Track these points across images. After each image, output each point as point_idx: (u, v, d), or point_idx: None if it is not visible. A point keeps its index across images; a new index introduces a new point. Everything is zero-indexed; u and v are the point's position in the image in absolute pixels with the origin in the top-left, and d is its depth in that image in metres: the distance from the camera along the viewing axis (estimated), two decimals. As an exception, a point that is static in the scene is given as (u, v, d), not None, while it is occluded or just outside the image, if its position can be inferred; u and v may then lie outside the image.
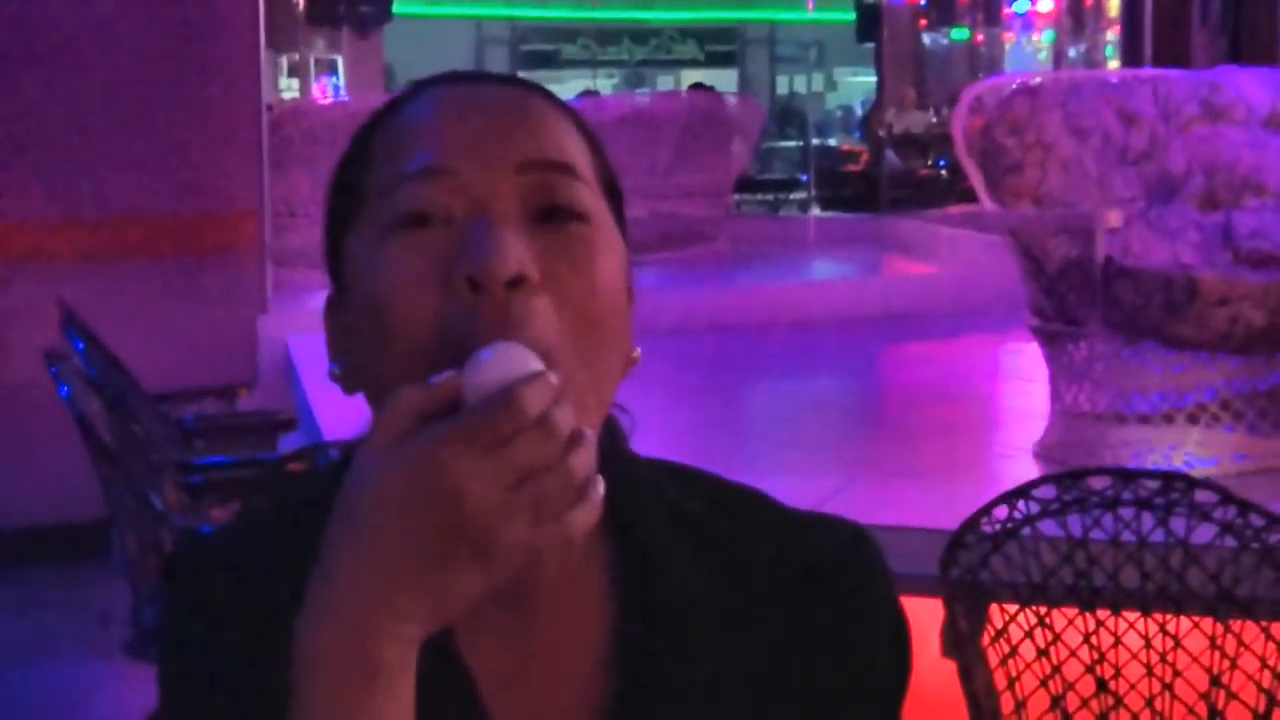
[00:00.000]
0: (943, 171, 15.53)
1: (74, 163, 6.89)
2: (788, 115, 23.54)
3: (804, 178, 17.49)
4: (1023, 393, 5.90)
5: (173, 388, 5.77)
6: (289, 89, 17.34)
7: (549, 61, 25.04)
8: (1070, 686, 2.77)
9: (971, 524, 2.81)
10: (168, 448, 4.87)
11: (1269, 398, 4.48)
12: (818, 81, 26.35)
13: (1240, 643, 2.71)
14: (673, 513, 1.14)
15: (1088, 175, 4.61)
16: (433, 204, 1.04)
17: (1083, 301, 4.54)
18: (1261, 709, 2.72)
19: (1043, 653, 2.79)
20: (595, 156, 1.12)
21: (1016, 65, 19.25)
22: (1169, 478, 2.75)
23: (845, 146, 19.95)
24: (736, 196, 14.28)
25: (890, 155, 15.88)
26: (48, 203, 6.88)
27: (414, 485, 0.92)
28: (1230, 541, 2.71)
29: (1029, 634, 2.80)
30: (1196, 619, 2.74)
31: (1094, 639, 2.76)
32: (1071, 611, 2.78)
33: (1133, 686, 2.75)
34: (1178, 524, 2.70)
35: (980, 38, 20.92)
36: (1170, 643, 2.73)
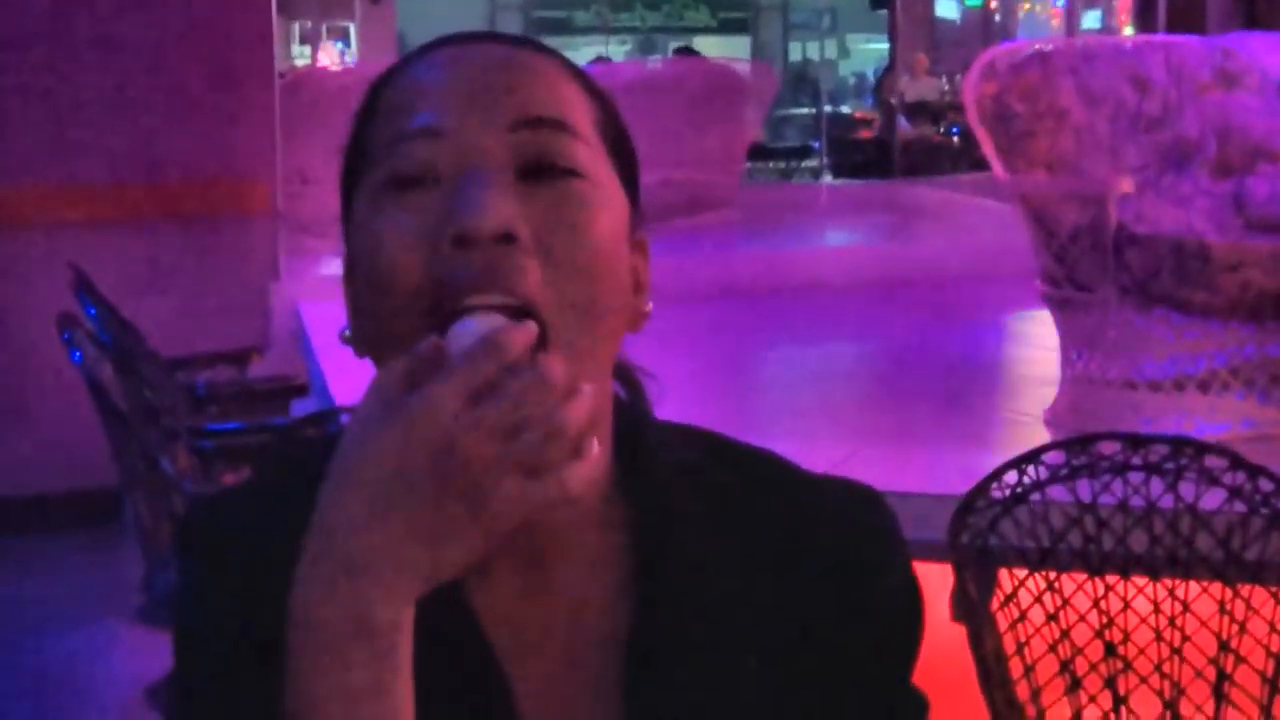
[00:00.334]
0: (955, 139, 15.51)
1: (86, 129, 6.89)
2: (800, 82, 23.49)
3: (816, 145, 17.47)
4: (1034, 359, 5.90)
5: (185, 354, 5.78)
6: (301, 56, 17.32)
7: (561, 28, 24.97)
8: (1079, 651, 2.78)
9: (981, 489, 2.81)
10: (180, 413, 4.88)
11: (1280, 364, 4.48)
12: (831, 49, 26.26)
13: (1249, 607, 2.72)
14: (688, 473, 1.15)
15: (1100, 142, 4.60)
16: (424, 165, 1.05)
17: (1094, 268, 4.53)
18: (1270, 673, 2.73)
19: (1052, 617, 2.79)
20: (600, 112, 1.12)
21: (1030, 33, 19.18)
22: (1178, 442, 2.75)
23: (858, 114, 19.92)
24: (749, 164, 14.25)
25: (903, 122, 15.85)
26: (60, 168, 6.88)
27: (403, 441, 0.92)
28: (1239, 506, 2.71)
29: (1038, 599, 2.80)
30: (1205, 583, 2.74)
31: (1103, 604, 2.76)
32: (1080, 576, 2.78)
33: (1141, 651, 2.76)
34: (1187, 489, 2.70)
35: (994, 4, 20.84)
36: (1179, 607, 2.73)
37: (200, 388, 5.43)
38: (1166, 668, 2.74)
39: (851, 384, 6.44)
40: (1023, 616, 2.81)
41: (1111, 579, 2.76)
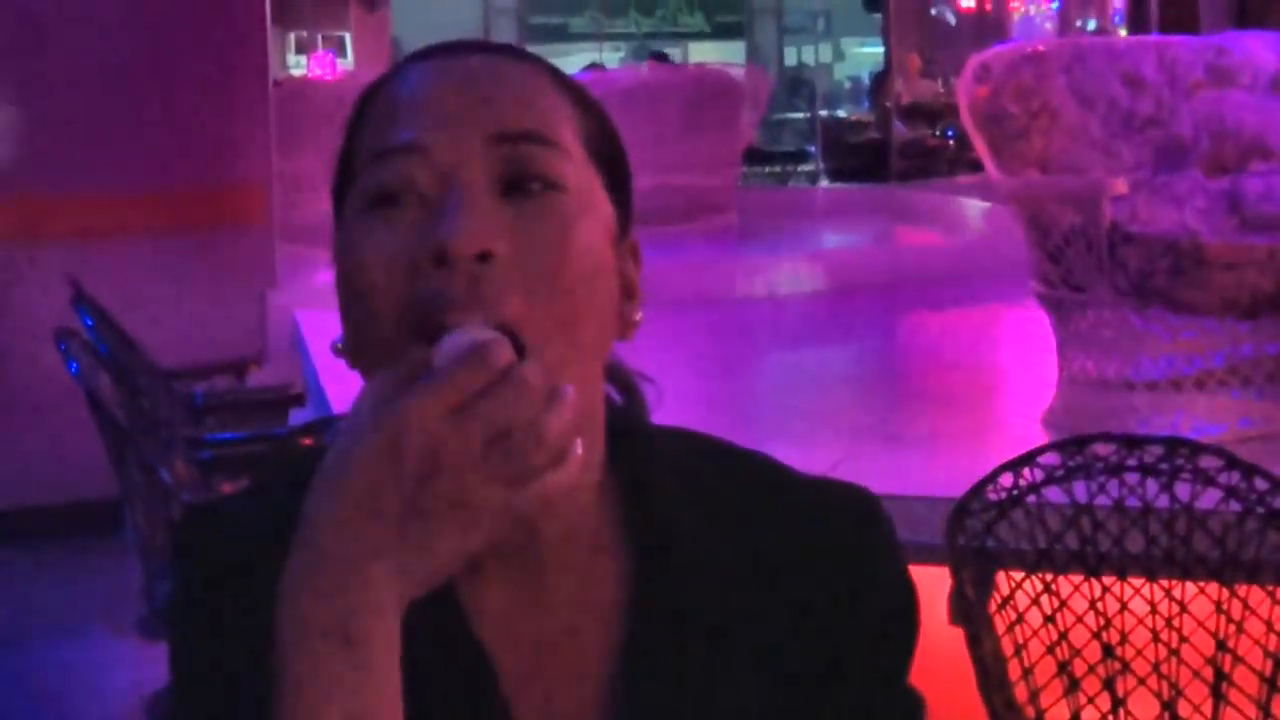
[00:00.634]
0: (950, 141, 15.50)
1: (83, 138, 6.89)
2: (796, 86, 23.47)
3: (812, 149, 17.47)
4: (1029, 361, 5.90)
5: (183, 364, 5.78)
6: (297, 65, 17.31)
7: (556, 34, 24.96)
8: (1077, 652, 2.78)
9: (977, 491, 2.82)
10: (178, 424, 4.89)
11: (1276, 362, 4.47)
12: (825, 52, 26.26)
13: (1246, 607, 2.72)
14: (684, 475, 1.15)
15: (1093, 141, 4.60)
16: (404, 182, 1.05)
17: (1089, 268, 4.53)
18: (1268, 672, 2.73)
19: (1049, 619, 2.79)
20: (585, 120, 1.12)
21: (1023, 35, 19.18)
22: (1172, 443, 2.76)
23: (853, 117, 19.91)
24: (745, 168, 14.26)
25: (898, 125, 15.85)
26: (57, 178, 6.88)
27: (385, 450, 0.93)
28: (1235, 506, 2.71)
29: (1035, 600, 2.80)
30: (1202, 584, 2.75)
31: (1100, 605, 2.76)
32: (1077, 578, 2.78)
33: (1139, 652, 2.76)
34: (1182, 489, 2.71)
35: (989, 6, 20.84)
36: (1176, 608, 2.73)
37: (198, 398, 5.44)
38: (1164, 668, 2.75)
39: (847, 387, 6.44)
40: (1020, 618, 2.81)
41: (1108, 580, 2.76)
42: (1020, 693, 2.82)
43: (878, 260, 9.60)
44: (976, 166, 7.21)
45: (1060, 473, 2.76)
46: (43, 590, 6.10)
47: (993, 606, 2.83)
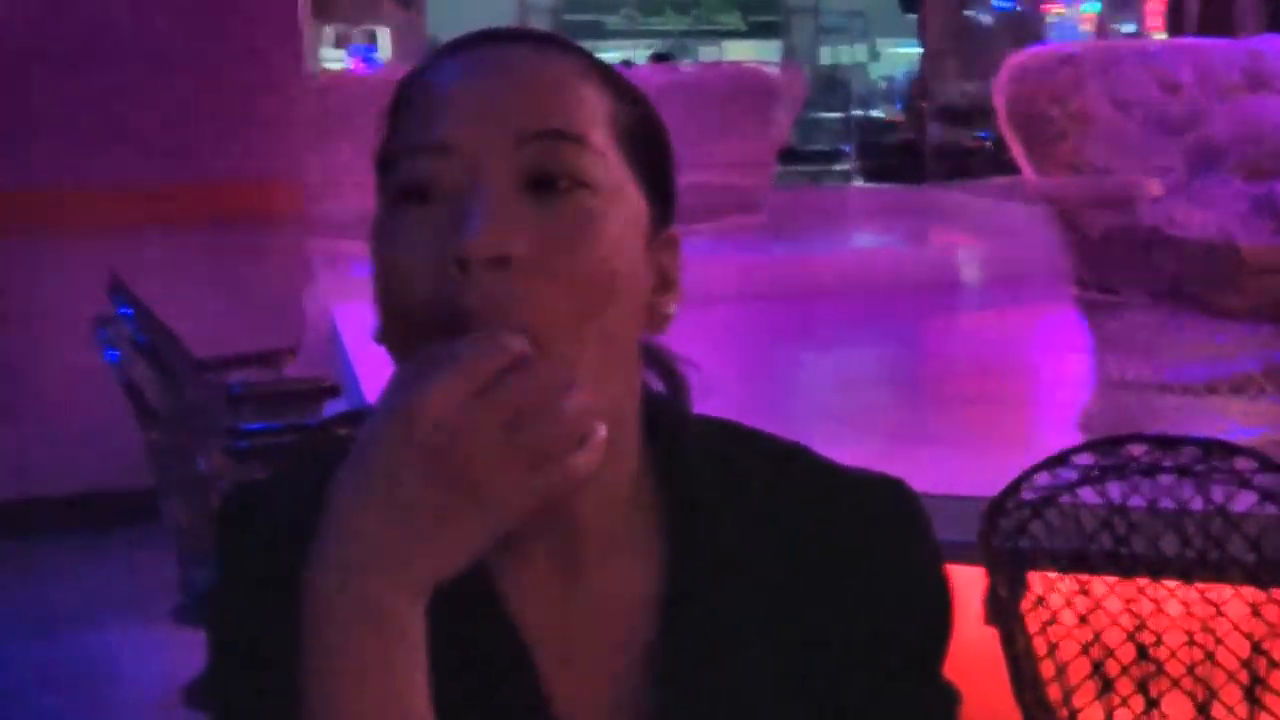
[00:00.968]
0: (987, 143, 15.47)
1: (119, 132, 6.92)
2: (831, 86, 23.46)
3: (846, 149, 17.45)
4: (1066, 363, 5.89)
5: (219, 354, 5.80)
6: (336, 59, 17.33)
7: (592, 31, 24.97)
8: (1110, 653, 2.77)
9: (1012, 491, 2.81)
10: (214, 414, 4.91)
11: (1312, 368, 4.47)
12: (861, 53, 26.24)
13: (1281, 610, 2.72)
14: (720, 465, 1.16)
15: (1129, 144, 4.59)
16: (432, 180, 1.05)
17: (1125, 271, 4.53)
18: (1302, 676, 2.73)
19: (1083, 619, 2.79)
20: (622, 110, 1.12)
21: (1060, 37, 19.13)
22: (1207, 444, 2.75)
23: (888, 118, 19.88)
24: (779, 168, 14.24)
25: (933, 127, 15.82)
26: (94, 171, 6.91)
27: (405, 434, 0.94)
28: (1270, 508, 2.70)
29: (1069, 601, 2.80)
30: (1237, 586, 2.74)
31: (1134, 606, 2.76)
32: (1112, 579, 2.78)
33: (1173, 654, 2.75)
34: (1217, 491, 2.70)
35: (1024, 9, 20.78)
36: (1211, 610, 2.73)
37: (234, 388, 5.45)
38: (1199, 671, 2.74)
39: (882, 386, 6.44)
40: (1054, 619, 2.81)
41: (1143, 581, 2.76)
42: (1054, 693, 2.81)
43: (912, 261, 9.58)
44: (1011, 169, 7.20)
45: (1095, 473, 2.75)
46: (79, 578, 6.13)
47: (1026, 606, 2.83)
